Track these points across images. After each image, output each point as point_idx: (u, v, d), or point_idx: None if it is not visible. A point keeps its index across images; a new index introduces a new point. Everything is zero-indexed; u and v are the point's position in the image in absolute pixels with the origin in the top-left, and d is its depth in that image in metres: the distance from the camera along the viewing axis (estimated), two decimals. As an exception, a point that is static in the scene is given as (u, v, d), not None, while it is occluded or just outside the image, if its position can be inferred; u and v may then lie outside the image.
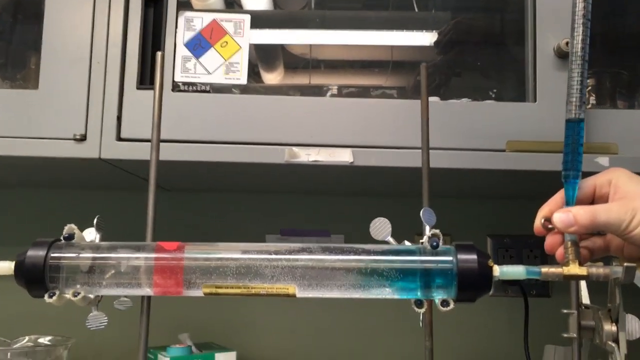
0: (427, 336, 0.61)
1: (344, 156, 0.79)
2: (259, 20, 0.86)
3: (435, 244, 0.49)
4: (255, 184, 1.05)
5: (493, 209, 1.16)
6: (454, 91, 0.94)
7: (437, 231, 0.51)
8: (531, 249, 1.14)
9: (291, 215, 1.17)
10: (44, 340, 0.80)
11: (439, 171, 0.79)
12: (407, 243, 0.58)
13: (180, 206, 1.16)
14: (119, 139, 0.80)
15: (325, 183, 0.99)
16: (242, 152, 0.79)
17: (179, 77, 0.81)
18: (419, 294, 0.50)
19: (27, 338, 0.80)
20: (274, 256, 0.50)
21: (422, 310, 0.50)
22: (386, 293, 0.50)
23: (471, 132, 0.80)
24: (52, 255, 0.51)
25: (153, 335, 0.88)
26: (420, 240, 0.54)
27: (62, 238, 0.53)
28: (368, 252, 0.50)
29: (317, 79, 0.99)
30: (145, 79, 0.82)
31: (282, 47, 0.98)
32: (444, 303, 0.49)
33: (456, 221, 1.11)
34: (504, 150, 0.79)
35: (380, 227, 0.57)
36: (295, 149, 0.79)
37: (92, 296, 0.53)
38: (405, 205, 1.14)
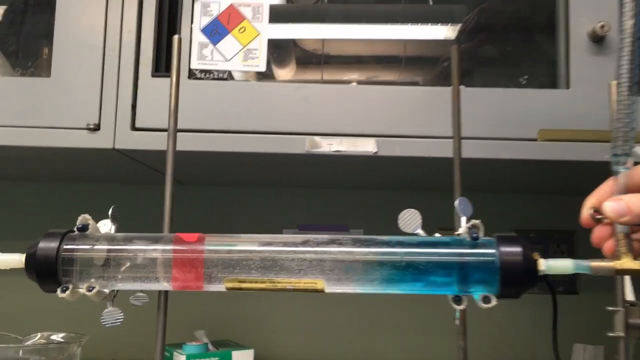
0: (461, 335, 0.58)
1: (367, 146, 0.76)
2: (271, 15, 0.83)
3: (475, 235, 0.46)
4: (272, 177, 1.03)
5: (518, 203, 1.12)
6: (482, 79, 0.90)
7: (478, 222, 0.47)
8: (558, 244, 1.11)
9: (308, 210, 1.14)
10: (57, 337, 0.77)
11: (466, 161, 0.75)
12: (437, 235, 0.55)
13: (195, 200, 1.13)
14: (134, 128, 0.77)
15: (346, 175, 0.96)
16: (261, 142, 0.76)
17: (196, 64, 0.78)
18: (457, 289, 0.46)
19: (39, 335, 0.77)
20: (301, 248, 0.46)
21: (461, 308, 0.46)
22: (421, 288, 0.46)
23: (501, 120, 0.76)
24: (65, 247, 0.48)
25: (168, 332, 0.85)
26: (456, 232, 0.50)
27: (75, 229, 0.50)
28: (402, 244, 0.47)
29: (329, 75, 0.96)
30: (161, 67, 0.79)
31: (294, 43, 0.96)
32: (486, 299, 0.45)
33: (480, 215, 1.07)
34: (535, 140, 0.76)
35: (410, 219, 0.53)
36: (316, 138, 0.76)
37: (107, 291, 0.50)
38: (426, 198, 1.11)
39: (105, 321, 0.52)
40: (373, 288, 0.46)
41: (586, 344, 0.95)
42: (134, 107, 0.77)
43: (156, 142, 0.76)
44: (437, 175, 0.91)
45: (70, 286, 0.48)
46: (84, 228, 0.49)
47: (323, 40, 0.96)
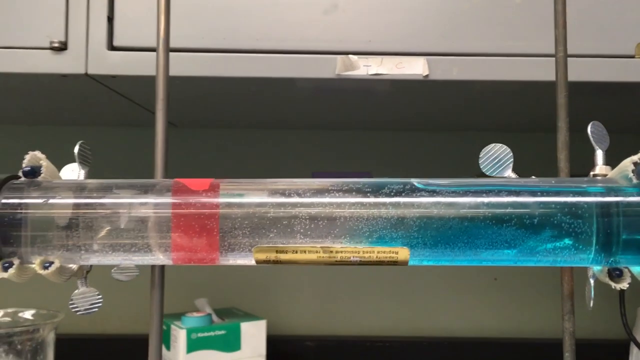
0: (567, 314, 0.42)
1: (415, 67, 0.59)
2: None
3: (651, 174, 0.29)
4: (284, 116, 0.86)
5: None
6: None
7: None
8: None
9: (322, 156, 0.98)
10: (26, 314, 0.62)
11: (532, 86, 0.60)
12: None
13: (191, 146, 0.96)
14: (112, 47, 0.60)
15: (378, 110, 0.79)
16: (277, 63, 0.59)
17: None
18: (607, 259, 0.30)
19: (1, 312, 0.61)
20: (372, 199, 0.30)
21: (621, 286, 0.30)
22: (554, 258, 0.30)
23: (583, 31, 0.60)
24: (4, 201, 0.31)
25: (165, 301, 0.70)
26: (592, 172, 0.34)
27: (20, 174, 0.33)
28: (532, 192, 0.30)
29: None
30: (147, -36, 0.61)
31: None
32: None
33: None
34: (632, 56, 0.59)
35: (497, 157, 0.37)
36: (352, 57, 0.58)
37: (73, 267, 0.33)
38: (460, 141, 0.95)
39: (76, 307, 0.36)
40: (481, 258, 0.30)
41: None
42: (110, 19, 0.60)
43: (142, 65, 0.59)
44: (498, 107, 0.75)
45: (16, 261, 0.32)
46: (32, 172, 0.32)
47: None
